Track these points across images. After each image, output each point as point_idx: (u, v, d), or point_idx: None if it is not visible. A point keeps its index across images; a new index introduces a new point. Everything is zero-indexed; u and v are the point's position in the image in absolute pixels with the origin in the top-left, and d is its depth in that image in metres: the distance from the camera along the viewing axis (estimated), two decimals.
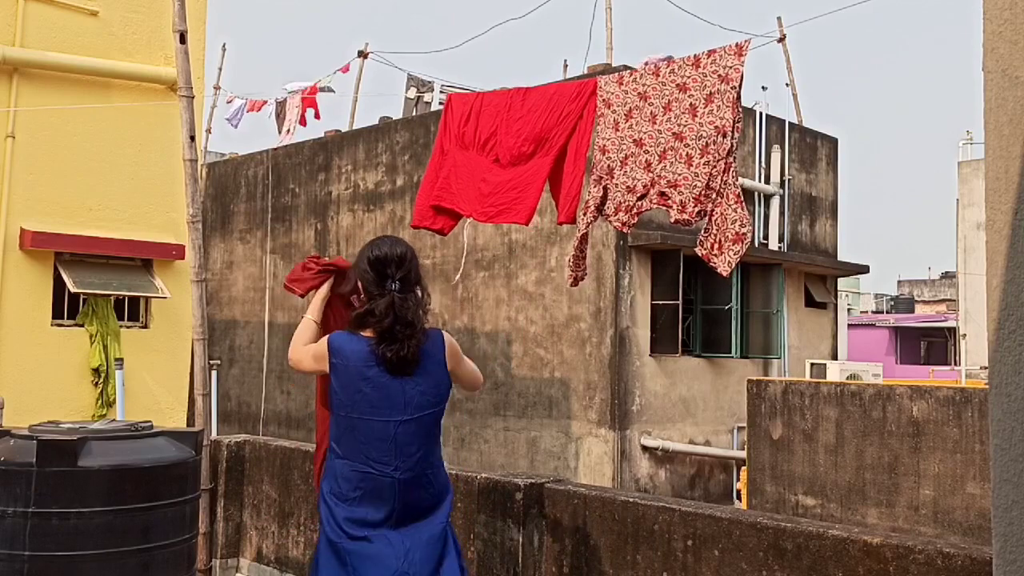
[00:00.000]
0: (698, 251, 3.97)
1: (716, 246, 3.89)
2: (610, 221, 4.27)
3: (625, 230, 4.29)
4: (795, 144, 15.11)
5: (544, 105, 4.46)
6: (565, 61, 18.39)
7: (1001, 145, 2.12)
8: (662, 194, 4.05)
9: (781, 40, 16.08)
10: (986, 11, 2.17)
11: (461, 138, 4.75)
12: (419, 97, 17.08)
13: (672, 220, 4.03)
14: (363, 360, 3.00)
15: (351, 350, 3.02)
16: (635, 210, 4.18)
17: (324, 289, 3.35)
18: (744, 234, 3.79)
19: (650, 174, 4.10)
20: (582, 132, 4.37)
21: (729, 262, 3.86)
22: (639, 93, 4.19)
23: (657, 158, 4.09)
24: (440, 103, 16.56)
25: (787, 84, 16.40)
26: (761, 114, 14.36)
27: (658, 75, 4.13)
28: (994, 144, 2.13)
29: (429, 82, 17.25)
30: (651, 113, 4.13)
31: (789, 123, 15.12)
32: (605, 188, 4.29)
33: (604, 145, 4.31)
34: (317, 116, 17.66)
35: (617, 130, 4.25)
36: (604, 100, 4.32)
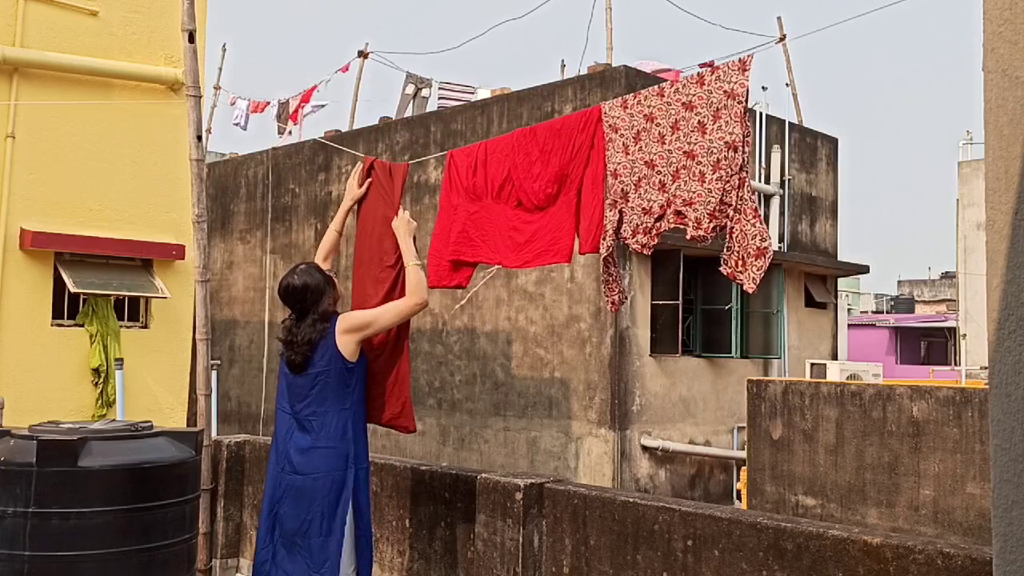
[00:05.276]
0: (723, 270, 3.96)
1: (740, 263, 3.88)
2: (628, 244, 4.26)
3: (646, 252, 4.26)
4: (795, 144, 15.11)
5: (556, 143, 4.43)
6: (563, 61, 18.40)
7: (1001, 145, 2.12)
8: (678, 213, 4.04)
9: (781, 40, 16.08)
10: (986, 11, 2.17)
11: (472, 190, 4.71)
12: (417, 91, 17.03)
13: (688, 237, 4.01)
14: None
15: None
16: (654, 231, 4.17)
17: (348, 200, 4.54)
18: (765, 248, 3.78)
19: (665, 194, 4.09)
20: (596, 161, 4.35)
21: (754, 278, 3.85)
22: (645, 115, 4.18)
23: (671, 178, 4.07)
24: (438, 102, 16.54)
25: (787, 84, 16.41)
26: (761, 114, 14.35)
27: (663, 95, 4.12)
28: (994, 144, 2.13)
29: (428, 79, 17.22)
30: (659, 134, 4.11)
31: (789, 123, 15.12)
32: (620, 212, 4.28)
33: (616, 169, 4.29)
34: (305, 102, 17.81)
35: (627, 153, 4.24)
36: (611, 125, 4.31)
